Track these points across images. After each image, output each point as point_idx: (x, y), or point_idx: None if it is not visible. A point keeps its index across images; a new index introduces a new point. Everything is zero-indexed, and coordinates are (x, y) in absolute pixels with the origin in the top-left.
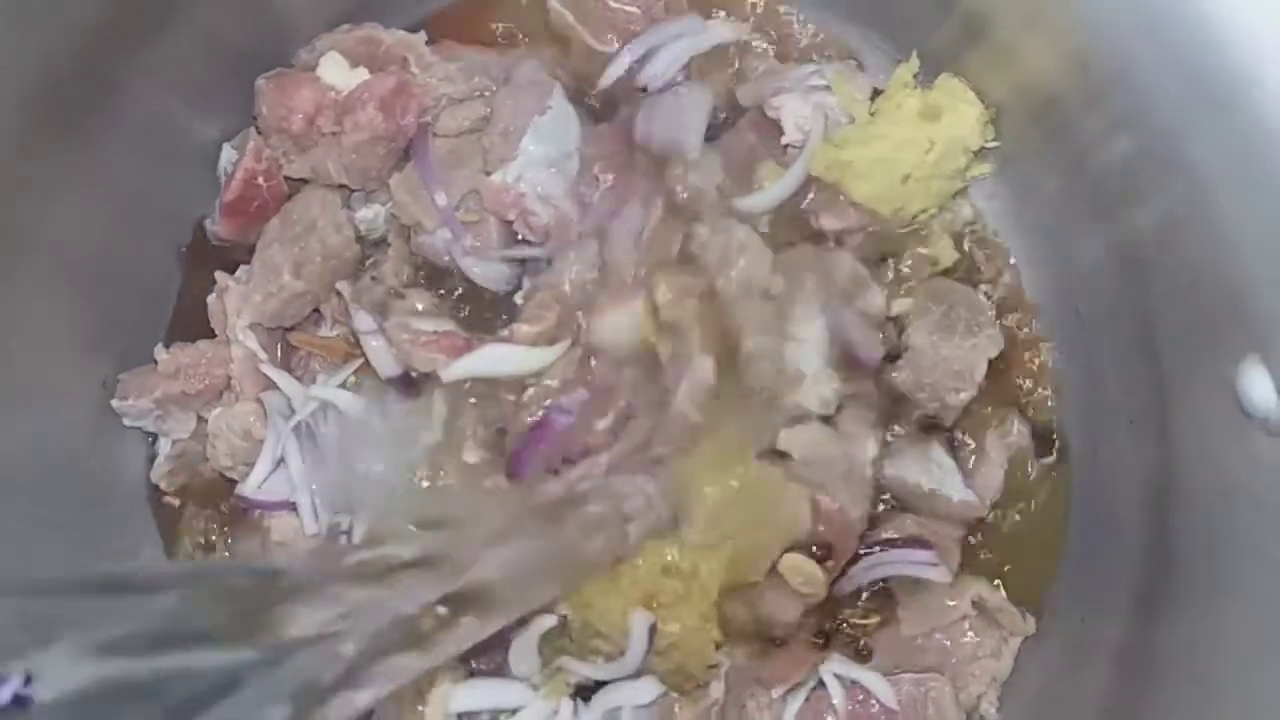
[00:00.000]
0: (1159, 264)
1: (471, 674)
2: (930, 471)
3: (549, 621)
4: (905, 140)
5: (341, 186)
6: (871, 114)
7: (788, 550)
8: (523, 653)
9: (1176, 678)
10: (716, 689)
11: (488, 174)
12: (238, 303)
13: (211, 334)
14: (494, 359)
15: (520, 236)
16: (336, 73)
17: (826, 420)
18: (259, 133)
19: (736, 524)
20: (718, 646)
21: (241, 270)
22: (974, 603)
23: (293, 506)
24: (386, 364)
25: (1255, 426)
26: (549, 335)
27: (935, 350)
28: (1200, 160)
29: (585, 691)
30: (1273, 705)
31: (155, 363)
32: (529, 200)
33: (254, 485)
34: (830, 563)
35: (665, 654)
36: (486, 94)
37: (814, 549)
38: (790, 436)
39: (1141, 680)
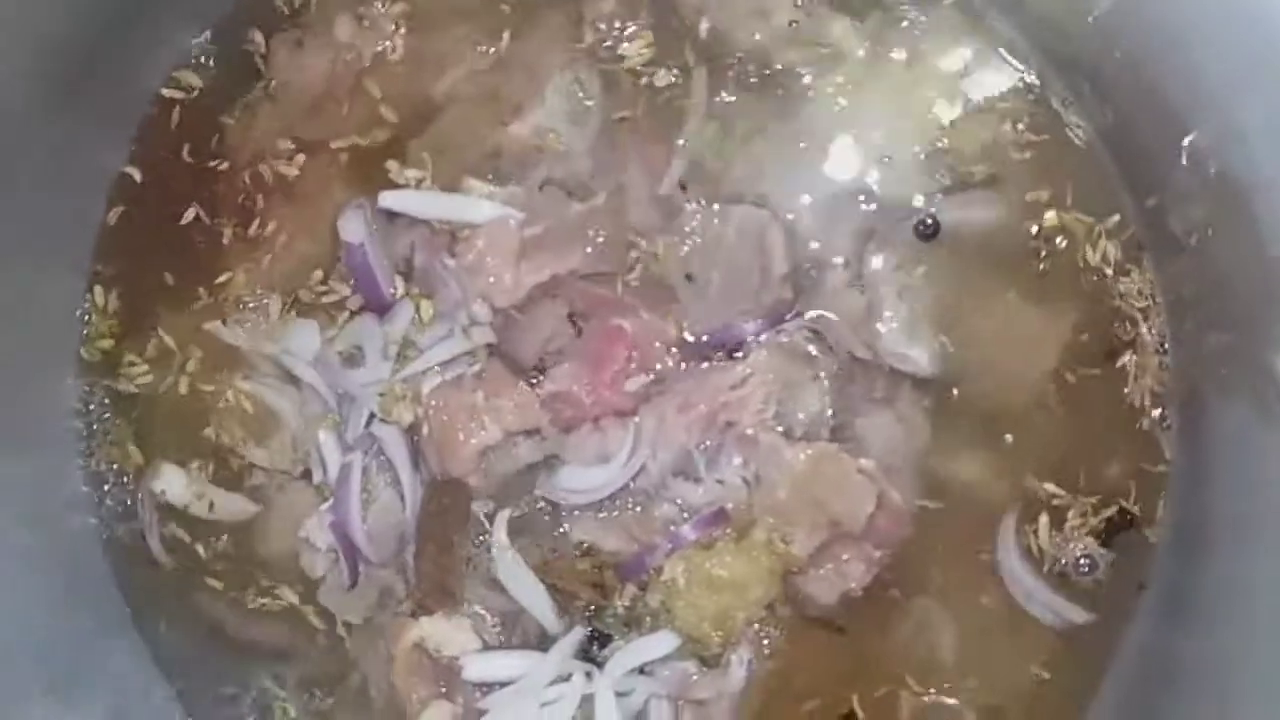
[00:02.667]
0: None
1: (486, 646)
2: None
3: None
4: None
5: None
6: None
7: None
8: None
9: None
10: (737, 674)
11: (504, 124)
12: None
13: None
14: None
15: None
16: (349, 30)
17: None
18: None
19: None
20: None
21: None
22: None
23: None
24: None
25: None
26: None
27: None
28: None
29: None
30: None
31: None
32: (547, 156)
33: None
34: (879, 553)
35: (696, 600)
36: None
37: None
38: (868, 424)
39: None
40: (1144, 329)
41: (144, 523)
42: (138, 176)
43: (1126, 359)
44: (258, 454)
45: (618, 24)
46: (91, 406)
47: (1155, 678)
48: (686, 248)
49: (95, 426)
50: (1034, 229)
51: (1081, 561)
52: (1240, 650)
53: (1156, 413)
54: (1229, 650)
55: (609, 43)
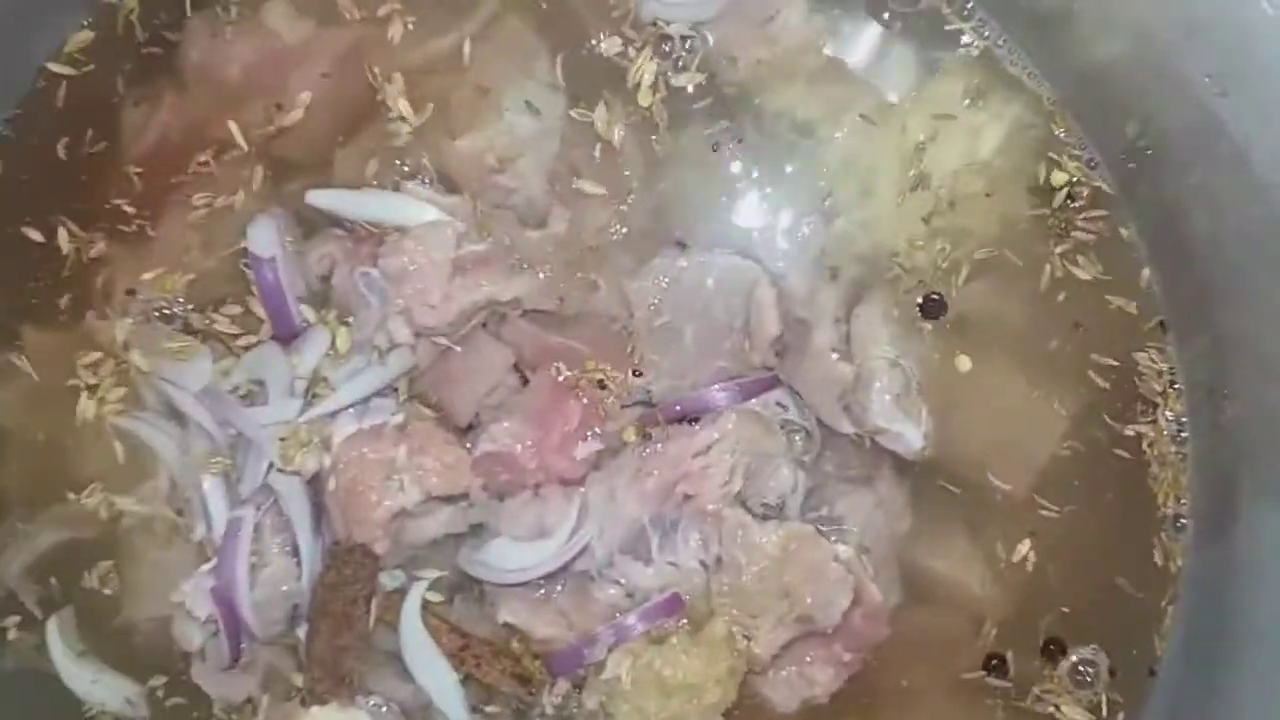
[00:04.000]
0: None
1: None
2: None
3: None
4: None
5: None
6: None
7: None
8: None
9: None
10: None
11: (453, 139)
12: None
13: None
14: None
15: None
16: (281, 19)
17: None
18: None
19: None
20: None
21: None
22: None
23: None
24: None
25: None
26: None
27: None
28: None
29: None
30: None
31: None
32: (500, 177)
33: None
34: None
35: (643, 703)
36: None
37: None
38: (848, 506)
39: None
40: (1160, 415)
41: None
42: (7, 166)
43: (1139, 448)
44: (125, 500)
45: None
46: None
47: None
48: (655, 297)
49: None
50: (1040, 307)
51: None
52: None
53: (1171, 511)
54: None
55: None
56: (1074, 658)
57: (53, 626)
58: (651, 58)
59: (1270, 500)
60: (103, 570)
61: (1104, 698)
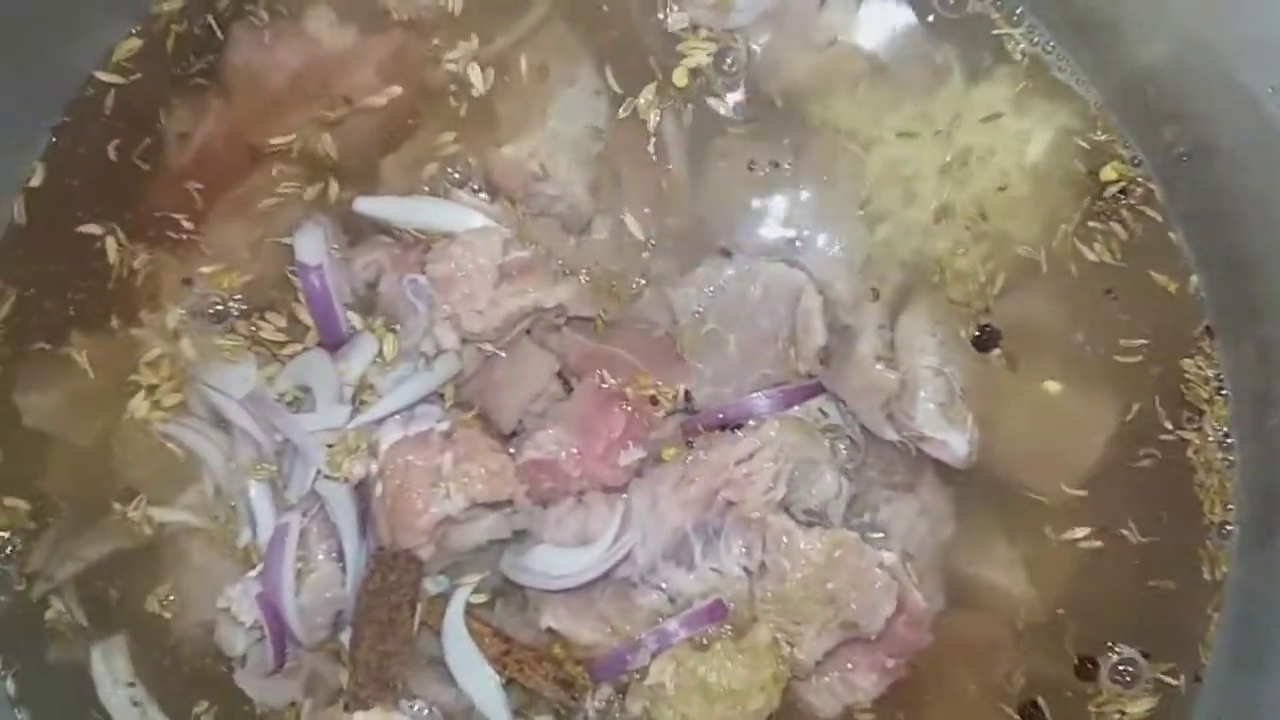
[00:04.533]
0: None
1: None
2: None
3: None
4: None
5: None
6: None
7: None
8: None
9: None
10: None
11: (498, 146)
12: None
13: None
14: None
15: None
16: (324, 26)
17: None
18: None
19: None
20: None
21: None
22: None
23: None
24: None
25: None
26: None
27: None
28: None
29: None
30: None
31: None
32: (544, 185)
33: None
34: (893, 662)
35: (687, 710)
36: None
37: None
38: (892, 513)
39: None
40: (1207, 422)
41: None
42: (58, 171)
43: (1185, 455)
44: (167, 511)
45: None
46: None
47: None
48: (700, 305)
49: None
50: (1086, 313)
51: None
52: None
53: (1218, 518)
54: None
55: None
56: (1114, 658)
57: (97, 654)
58: (699, 56)
59: None
60: (163, 594)
61: (1148, 702)
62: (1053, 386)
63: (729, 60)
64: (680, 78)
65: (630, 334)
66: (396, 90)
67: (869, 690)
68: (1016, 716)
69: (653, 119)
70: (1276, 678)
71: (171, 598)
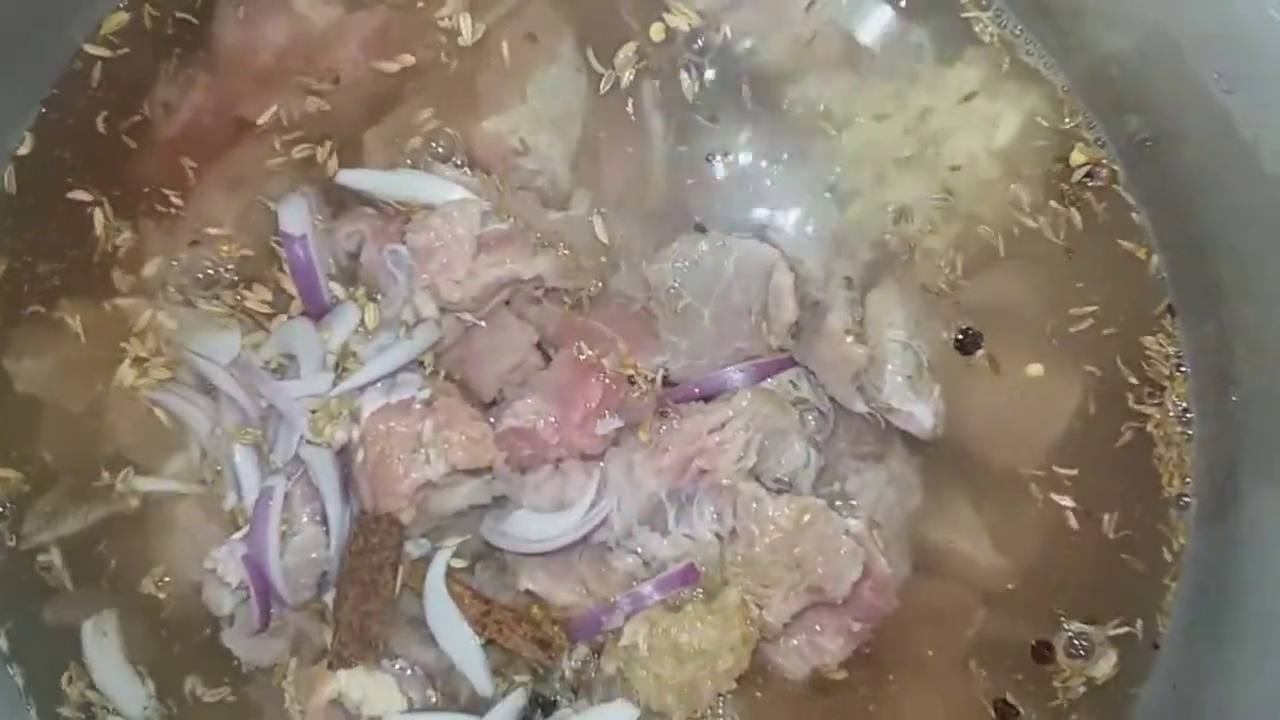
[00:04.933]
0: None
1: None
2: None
3: None
4: None
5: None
6: None
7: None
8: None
9: None
10: None
11: (479, 121)
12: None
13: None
14: None
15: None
16: (310, 3)
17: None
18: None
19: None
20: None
21: None
22: None
23: None
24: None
25: None
26: None
27: None
28: None
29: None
30: None
31: None
32: (524, 159)
33: None
34: (859, 626)
35: (659, 669)
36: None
37: None
38: (860, 482)
39: None
40: (1167, 398)
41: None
42: (47, 142)
43: (1146, 429)
44: (154, 479)
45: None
46: None
47: None
48: (675, 280)
49: None
50: (1050, 291)
51: (1076, 642)
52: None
53: (1175, 490)
54: None
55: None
56: (1068, 633)
57: (89, 627)
58: (679, 21)
59: (1273, 483)
60: (158, 575)
61: (1109, 670)
62: (1034, 369)
63: (704, 40)
64: (657, 32)
65: (608, 307)
66: (391, 66)
67: (835, 653)
68: (982, 680)
69: (630, 100)
70: (1230, 648)
71: (166, 579)
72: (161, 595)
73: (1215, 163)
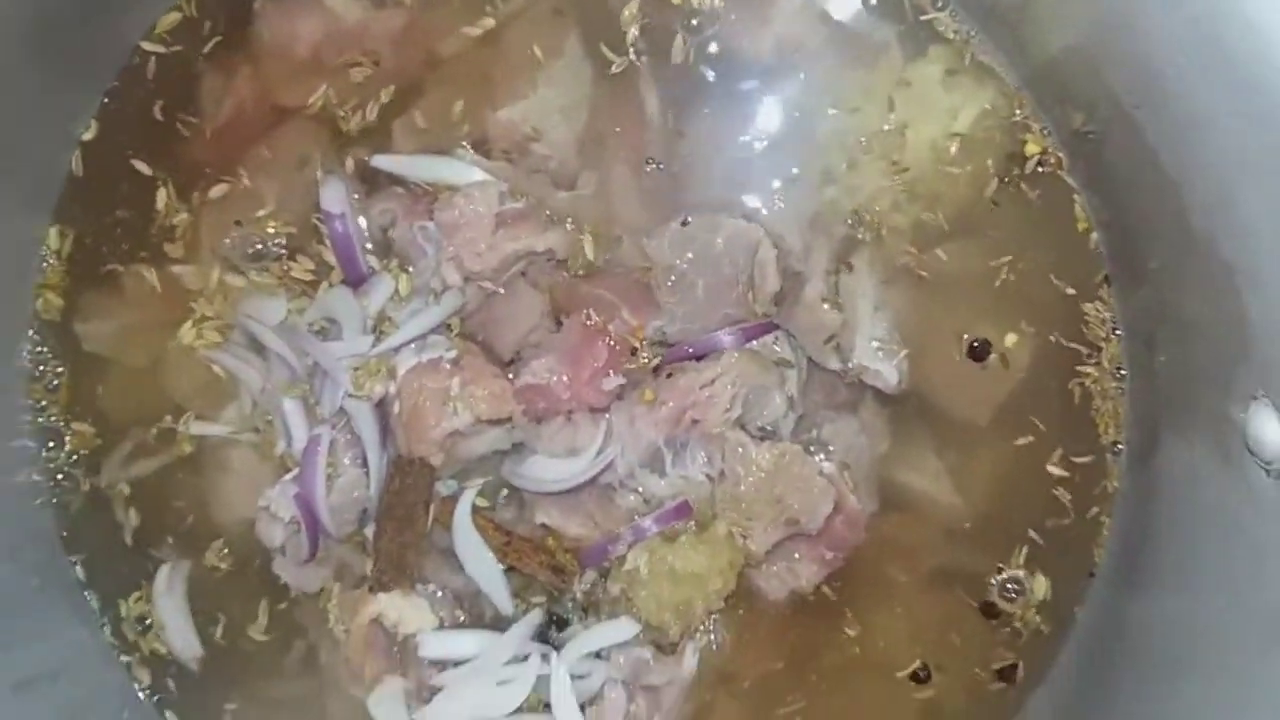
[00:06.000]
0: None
1: (442, 625)
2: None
3: None
4: None
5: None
6: None
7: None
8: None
9: None
10: (690, 662)
11: (494, 111)
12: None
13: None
14: None
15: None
16: (340, 2)
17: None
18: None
19: (764, 496)
20: (712, 613)
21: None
22: None
23: None
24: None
25: (1257, 464)
26: None
27: None
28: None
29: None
30: None
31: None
32: (536, 145)
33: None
34: (832, 555)
35: (658, 590)
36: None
37: None
38: (834, 430)
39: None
40: (1104, 357)
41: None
42: (109, 129)
43: (1085, 384)
44: (214, 425)
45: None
46: (43, 368)
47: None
48: (671, 252)
49: (49, 385)
50: (1003, 263)
51: (1009, 587)
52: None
53: (1110, 438)
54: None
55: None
56: (1006, 575)
57: (164, 572)
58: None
59: (1182, 436)
60: (218, 548)
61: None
62: (1011, 339)
63: (698, 37)
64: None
65: (612, 277)
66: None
67: (810, 578)
68: (943, 603)
69: (629, 90)
70: (1148, 575)
71: (226, 550)
72: (224, 567)
73: (1132, 163)
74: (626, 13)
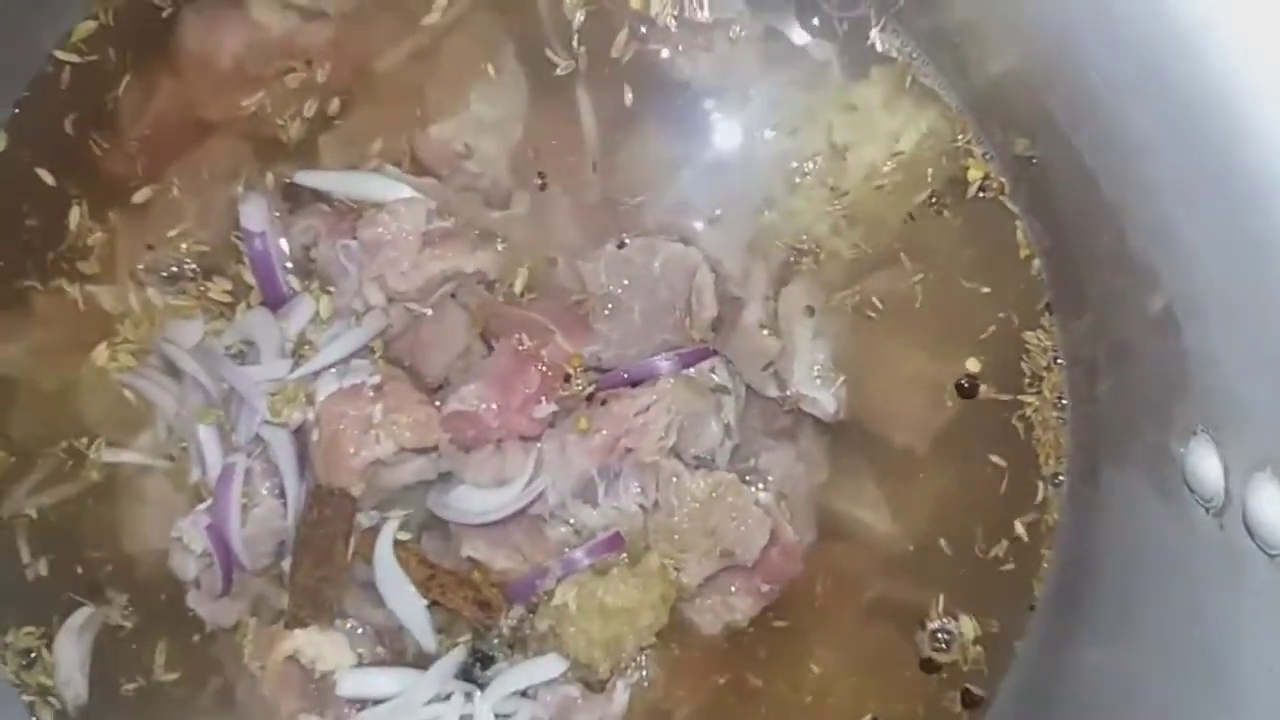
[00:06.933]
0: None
1: (361, 662)
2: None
3: None
4: None
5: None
6: None
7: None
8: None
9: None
10: (621, 700)
11: (424, 127)
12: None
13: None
14: None
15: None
16: (267, 12)
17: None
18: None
19: (698, 528)
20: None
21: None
22: None
23: None
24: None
25: (1196, 501)
26: None
27: None
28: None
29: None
30: None
31: None
32: (468, 163)
33: None
34: (768, 587)
35: (587, 626)
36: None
37: None
38: (771, 459)
39: None
40: (1045, 386)
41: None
42: (19, 141)
43: (1026, 414)
44: (123, 452)
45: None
46: None
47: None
48: (607, 277)
49: None
50: (942, 290)
51: (939, 638)
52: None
53: (1051, 469)
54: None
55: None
56: (934, 625)
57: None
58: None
59: (1119, 466)
60: (122, 603)
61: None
62: (973, 364)
63: (637, 57)
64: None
65: (546, 301)
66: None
67: (746, 611)
68: (881, 636)
69: (566, 108)
70: (1089, 611)
71: (130, 609)
72: (128, 625)
73: (1072, 189)
74: (564, 33)
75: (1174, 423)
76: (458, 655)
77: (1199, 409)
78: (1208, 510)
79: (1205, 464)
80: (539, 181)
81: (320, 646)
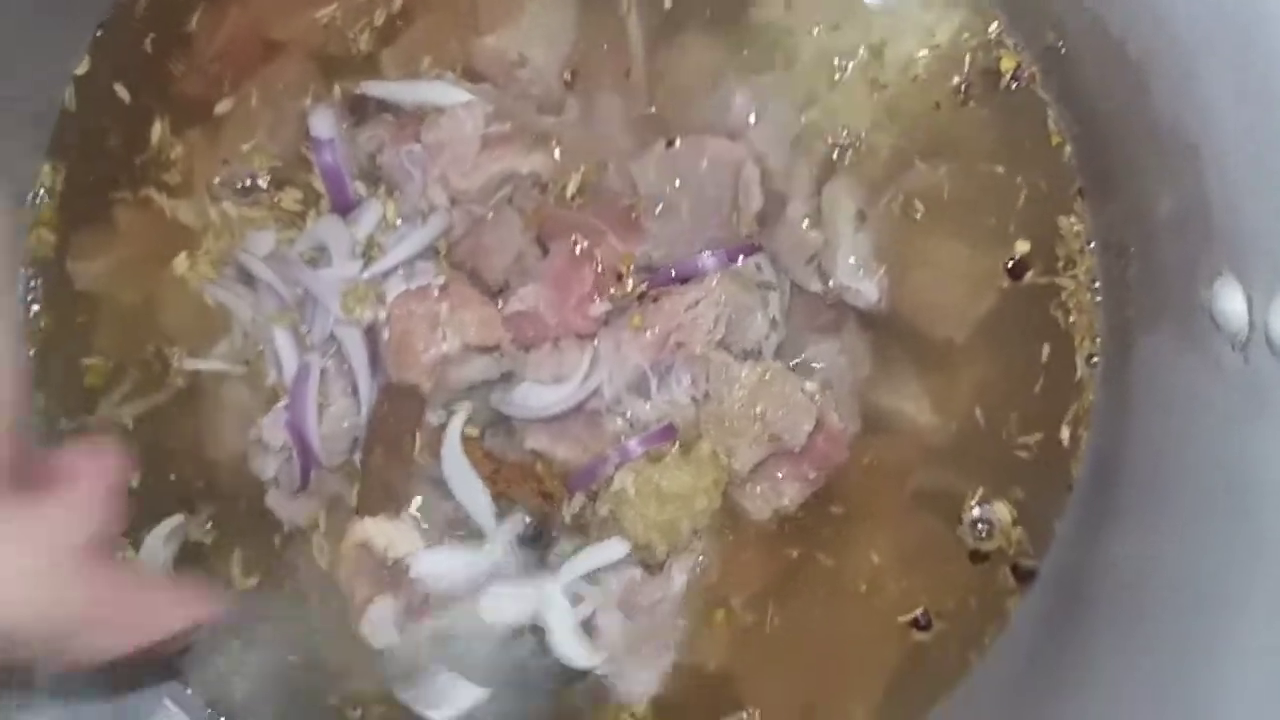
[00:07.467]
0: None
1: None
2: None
3: None
4: None
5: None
6: None
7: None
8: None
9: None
10: (680, 580)
11: (480, 36)
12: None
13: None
14: None
15: None
16: None
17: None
18: None
19: (747, 414)
20: (698, 531)
21: None
22: None
23: None
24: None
25: (1224, 339)
26: None
27: None
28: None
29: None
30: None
31: None
32: (522, 71)
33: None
34: (814, 474)
35: (644, 510)
36: None
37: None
38: (816, 353)
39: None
40: (1079, 270)
41: None
42: (102, 63)
43: (1061, 298)
44: (207, 359)
45: None
46: (36, 305)
47: (1066, 606)
48: (656, 175)
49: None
50: (979, 179)
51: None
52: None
53: (1086, 350)
54: (1137, 594)
55: None
56: (974, 514)
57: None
58: None
59: (1149, 334)
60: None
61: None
62: (1022, 245)
63: None
64: None
65: (598, 203)
66: None
67: (794, 496)
68: (924, 521)
69: (615, 15)
70: (1121, 491)
71: (210, 524)
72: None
73: (1103, 68)
74: None
75: (1199, 273)
76: (516, 523)
77: (1222, 252)
78: (1234, 346)
79: (1231, 302)
80: (589, 87)
81: (391, 534)
